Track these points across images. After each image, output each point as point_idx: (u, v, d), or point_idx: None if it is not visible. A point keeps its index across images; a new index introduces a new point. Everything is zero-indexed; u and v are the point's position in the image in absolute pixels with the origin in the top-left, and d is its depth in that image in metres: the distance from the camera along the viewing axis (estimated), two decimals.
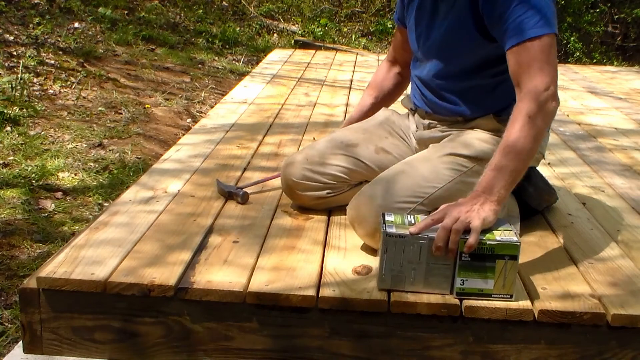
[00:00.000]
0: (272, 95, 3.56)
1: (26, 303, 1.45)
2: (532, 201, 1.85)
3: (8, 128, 3.56)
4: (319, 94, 3.63)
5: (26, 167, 3.10)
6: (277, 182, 2.11)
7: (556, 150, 2.66)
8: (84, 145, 3.49)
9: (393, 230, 1.42)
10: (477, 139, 1.74)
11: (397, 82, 2.08)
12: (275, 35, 7.44)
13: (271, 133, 2.73)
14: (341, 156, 1.84)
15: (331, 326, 1.43)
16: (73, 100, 4.21)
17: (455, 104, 1.79)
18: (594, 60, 7.83)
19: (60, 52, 4.99)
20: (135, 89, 4.73)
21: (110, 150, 3.48)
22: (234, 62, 6.36)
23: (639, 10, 7.89)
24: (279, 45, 6.99)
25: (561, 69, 5.28)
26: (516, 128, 1.52)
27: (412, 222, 1.46)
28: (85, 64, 4.90)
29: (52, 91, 4.30)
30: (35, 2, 5.79)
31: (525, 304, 1.41)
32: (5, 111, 3.68)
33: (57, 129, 3.68)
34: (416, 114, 1.90)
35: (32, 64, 4.57)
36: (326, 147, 1.87)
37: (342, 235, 1.72)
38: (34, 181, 2.97)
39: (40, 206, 2.77)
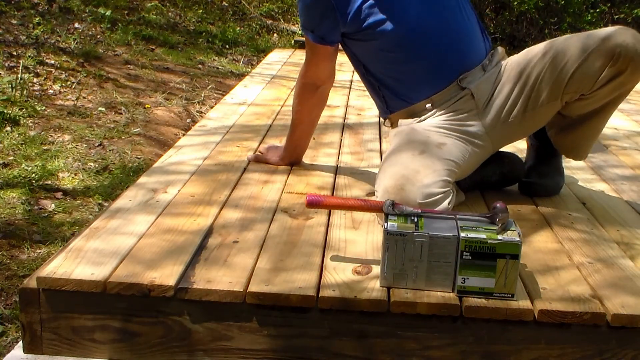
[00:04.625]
0: (272, 95, 3.56)
1: (26, 303, 1.45)
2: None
3: (8, 128, 3.56)
4: None
5: (26, 167, 3.10)
6: (278, 182, 2.11)
7: None
8: (84, 146, 3.49)
9: (395, 228, 1.43)
10: None
11: (326, 100, 2.20)
12: (275, 35, 7.44)
13: (271, 134, 2.73)
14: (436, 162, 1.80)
15: (331, 326, 1.43)
16: (73, 101, 4.21)
17: (482, 44, 1.94)
18: None
19: (60, 52, 4.98)
20: (135, 89, 4.72)
21: (110, 151, 3.47)
22: (234, 62, 6.35)
23: (639, 10, 7.89)
24: (279, 45, 6.98)
25: None
26: None
27: (415, 221, 1.47)
28: (85, 64, 4.89)
29: (52, 91, 4.30)
30: (35, 2, 5.79)
31: (525, 304, 1.41)
32: (5, 111, 3.67)
33: (57, 129, 3.68)
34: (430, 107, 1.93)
35: (32, 64, 4.57)
36: (413, 161, 1.79)
37: (342, 235, 1.72)
38: (34, 181, 2.97)
39: (40, 206, 2.76)
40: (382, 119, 2.13)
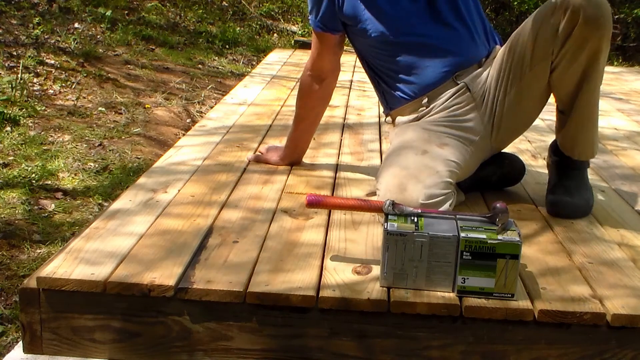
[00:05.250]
0: (272, 95, 3.56)
1: (26, 303, 1.45)
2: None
3: (8, 128, 3.56)
4: None
5: (26, 167, 3.10)
6: (278, 182, 2.11)
7: None
8: (84, 146, 3.49)
9: (395, 228, 1.43)
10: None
11: (329, 96, 2.17)
12: (275, 35, 7.44)
13: (271, 134, 2.73)
14: (438, 162, 1.79)
15: (331, 326, 1.42)
16: (73, 101, 4.21)
17: (483, 45, 1.97)
18: None
19: (60, 52, 4.98)
20: (135, 89, 4.72)
21: (110, 151, 3.47)
22: (234, 62, 6.35)
23: (639, 10, 7.88)
24: (279, 45, 6.98)
25: None
26: None
27: (415, 221, 1.47)
28: (85, 64, 4.89)
29: (52, 91, 4.30)
30: (35, 2, 5.78)
31: (525, 304, 1.41)
32: (5, 111, 3.67)
33: (57, 129, 3.68)
34: (432, 100, 1.93)
35: (32, 64, 4.57)
36: (415, 161, 1.79)
37: (342, 235, 1.72)
38: (34, 181, 2.97)
39: (40, 206, 2.76)
40: (384, 116, 2.14)
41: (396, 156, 1.84)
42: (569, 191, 1.94)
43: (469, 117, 1.89)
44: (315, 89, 2.12)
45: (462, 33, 1.92)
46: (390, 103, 2.04)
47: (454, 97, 1.90)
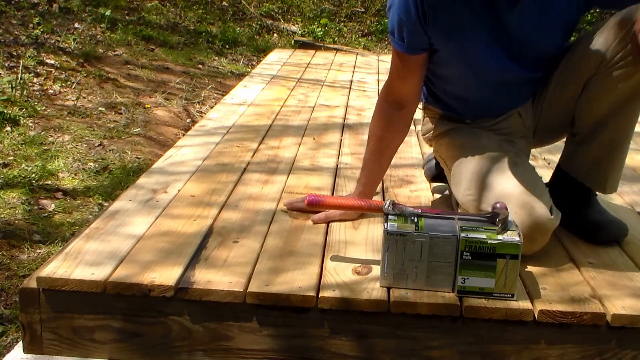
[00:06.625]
0: (271, 95, 3.56)
1: (26, 303, 1.45)
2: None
3: (8, 128, 3.56)
4: (318, 94, 3.62)
5: (26, 167, 3.10)
6: (278, 182, 2.11)
7: (557, 151, 2.65)
8: (84, 146, 3.49)
9: (395, 228, 1.43)
10: None
11: (409, 125, 1.86)
12: (275, 35, 7.44)
13: (271, 134, 2.73)
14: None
15: (331, 326, 1.43)
16: (73, 101, 4.21)
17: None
18: None
19: (60, 52, 4.99)
20: (135, 89, 4.73)
21: (110, 151, 3.47)
22: (234, 62, 6.35)
23: None
24: (279, 45, 6.98)
25: None
26: None
27: (415, 221, 1.47)
28: (85, 64, 4.89)
29: (52, 91, 4.30)
30: (35, 2, 5.79)
31: (525, 304, 1.41)
32: (5, 111, 3.68)
33: (57, 129, 3.68)
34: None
35: (32, 64, 4.57)
36: (519, 179, 1.65)
37: (342, 236, 1.72)
38: (34, 181, 2.97)
39: (40, 206, 2.76)
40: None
41: (492, 174, 1.68)
42: (604, 212, 1.81)
43: (515, 140, 1.84)
44: (396, 117, 1.81)
45: (540, 82, 1.83)
46: (428, 101, 1.92)
47: (503, 122, 1.85)
